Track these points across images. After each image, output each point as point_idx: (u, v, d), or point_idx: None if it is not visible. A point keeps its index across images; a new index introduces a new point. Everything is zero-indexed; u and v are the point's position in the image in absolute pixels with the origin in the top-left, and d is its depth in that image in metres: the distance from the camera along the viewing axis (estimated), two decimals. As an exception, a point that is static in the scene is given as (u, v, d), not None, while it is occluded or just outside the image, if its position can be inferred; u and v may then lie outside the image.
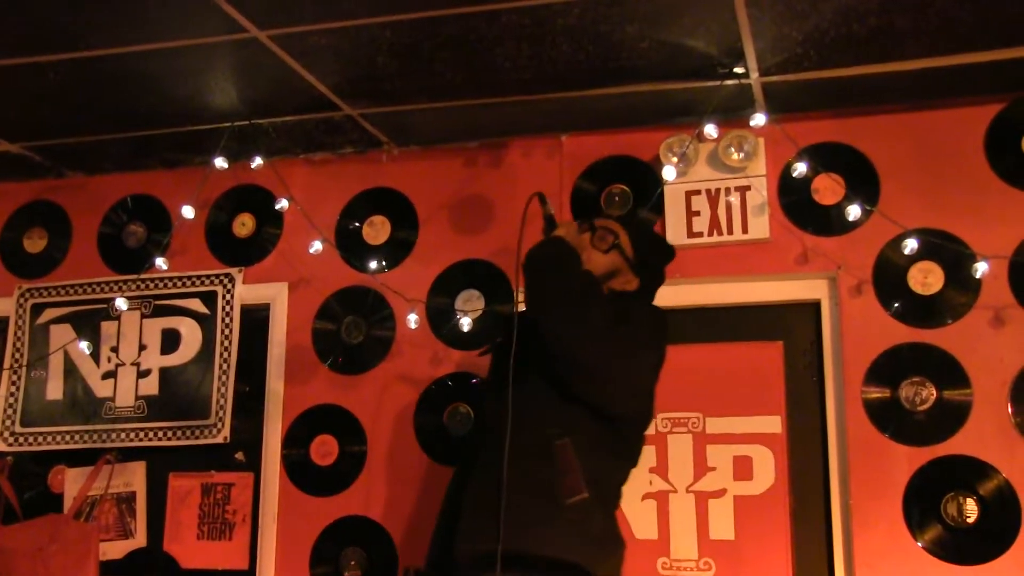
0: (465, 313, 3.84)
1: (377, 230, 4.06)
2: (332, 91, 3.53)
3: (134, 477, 4.12)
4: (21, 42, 3.21)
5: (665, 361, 2.93)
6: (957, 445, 3.39)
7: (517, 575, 2.58)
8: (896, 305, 3.52)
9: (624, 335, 2.74)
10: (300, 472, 3.96)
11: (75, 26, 3.09)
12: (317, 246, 3.89)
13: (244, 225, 4.19)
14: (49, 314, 4.28)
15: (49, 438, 4.18)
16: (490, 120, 3.79)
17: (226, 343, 4.06)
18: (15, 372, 4.26)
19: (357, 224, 4.09)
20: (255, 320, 4.12)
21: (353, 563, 3.82)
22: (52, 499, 4.19)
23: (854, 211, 3.51)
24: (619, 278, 2.99)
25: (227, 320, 4.08)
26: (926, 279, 3.51)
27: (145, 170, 4.32)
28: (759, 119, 3.52)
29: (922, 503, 3.39)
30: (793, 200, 3.67)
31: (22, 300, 4.33)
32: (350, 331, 4.00)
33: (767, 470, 3.59)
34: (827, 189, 3.63)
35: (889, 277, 3.54)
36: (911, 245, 3.45)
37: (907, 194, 3.57)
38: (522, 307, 2.90)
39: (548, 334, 2.70)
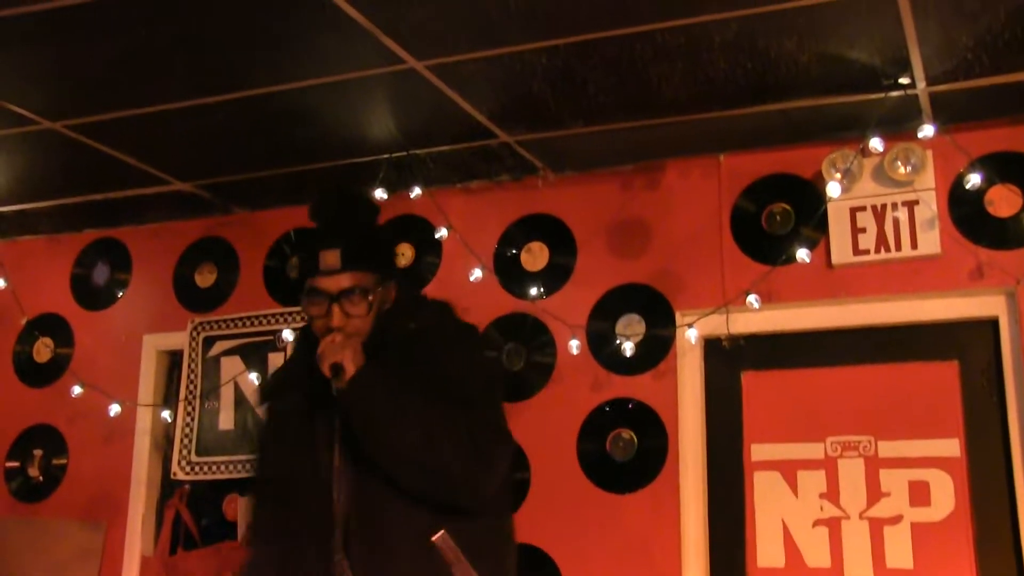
0: (627, 338, 3.80)
1: (535, 256, 4.06)
2: (488, 118, 3.55)
3: (302, 505, 4.20)
4: (193, 85, 3.34)
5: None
6: None
7: None
8: (1087, 320, 3.34)
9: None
10: (464, 499, 3.95)
11: (243, 65, 3.20)
12: (477, 274, 3.91)
13: (403, 255, 4.24)
14: (220, 347, 4.43)
15: (222, 467, 4.31)
16: (646, 142, 3.76)
17: (389, 371, 4.10)
18: (190, 403, 4.42)
19: (515, 251, 4.10)
20: (417, 349, 4.15)
21: (519, 591, 3.80)
22: (227, 526, 4.31)
23: (1033, 222, 3.36)
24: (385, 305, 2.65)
25: (389, 349, 4.13)
26: (1119, 290, 3.32)
27: (306, 204, 4.38)
28: (927, 130, 3.40)
29: (1123, 528, 3.20)
30: (965, 213, 3.52)
31: (195, 333, 4.48)
32: (511, 358, 3.99)
33: (946, 495, 3.45)
34: (1003, 200, 3.48)
35: (1076, 290, 3.37)
36: (1098, 255, 3.28)
37: (1092, 202, 3.40)
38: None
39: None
